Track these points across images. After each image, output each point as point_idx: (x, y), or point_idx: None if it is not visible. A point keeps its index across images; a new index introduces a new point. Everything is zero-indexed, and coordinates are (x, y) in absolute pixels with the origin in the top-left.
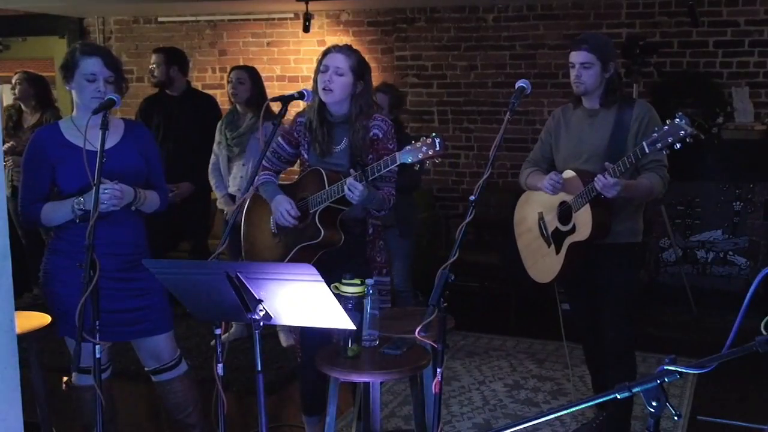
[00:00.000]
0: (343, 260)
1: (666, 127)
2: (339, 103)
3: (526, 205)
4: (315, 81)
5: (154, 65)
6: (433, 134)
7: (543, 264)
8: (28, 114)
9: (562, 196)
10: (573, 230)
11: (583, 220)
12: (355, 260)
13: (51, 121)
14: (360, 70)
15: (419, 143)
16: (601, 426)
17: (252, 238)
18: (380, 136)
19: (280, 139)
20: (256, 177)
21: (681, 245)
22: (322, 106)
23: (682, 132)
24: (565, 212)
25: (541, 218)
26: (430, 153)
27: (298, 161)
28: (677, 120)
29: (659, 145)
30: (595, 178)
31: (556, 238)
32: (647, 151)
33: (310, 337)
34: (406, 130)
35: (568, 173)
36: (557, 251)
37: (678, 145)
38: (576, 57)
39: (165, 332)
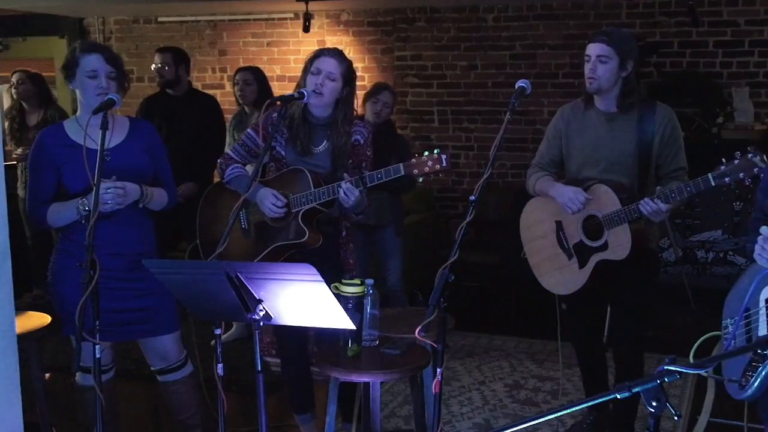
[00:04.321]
0: (316, 261)
1: (737, 161)
2: (324, 107)
3: (539, 209)
4: (303, 80)
5: (162, 65)
6: (437, 150)
7: (561, 275)
8: (31, 113)
9: (589, 209)
10: (604, 247)
11: (621, 240)
12: (327, 260)
13: (55, 117)
14: (349, 76)
15: (424, 158)
16: (592, 426)
17: (213, 233)
18: (361, 142)
19: (251, 131)
20: (226, 170)
21: (681, 245)
22: (306, 105)
23: (756, 169)
24: (593, 227)
25: (560, 228)
26: (436, 168)
27: (269, 155)
28: (750, 155)
29: (728, 179)
30: (642, 202)
31: (579, 252)
32: (713, 184)
33: (288, 337)
34: (397, 130)
35: (601, 187)
36: (581, 265)
37: (748, 181)
38: (592, 49)
39: (171, 332)
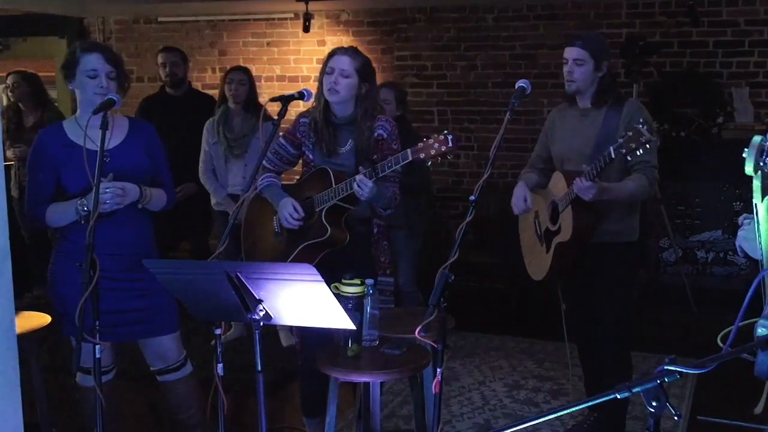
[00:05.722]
0: (348, 260)
1: (630, 132)
2: (344, 105)
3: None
4: (320, 82)
5: (171, 63)
6: (445, 131)
7: (537, 261)
8: (28, 113)
9: (553, 196)
10: (559, 230)
11: (566, 222)
12: (360, 260)
13: (52, 118)
14: (365, 72)
15: (431, 140)
16: (593, 426)
17: (253, 238)
18: (385, 136)
19: (282, 140)
20: (259, 179)
21: (681, 245)
22: (327, 107)
23: (643, 138)
24: (554, 212)
25: (536, 217)
26: (442, 149)
27: (301, 161)
28: (639, 126)
29: (623, 150)
30: (574, 182)
31: (546, 237)
32: (614, 156)
33: (311, 339)
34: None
35: (557, 174)
36: (547, 250)
37: (640, 152)
38: (569, 53)
39: (171, 333)
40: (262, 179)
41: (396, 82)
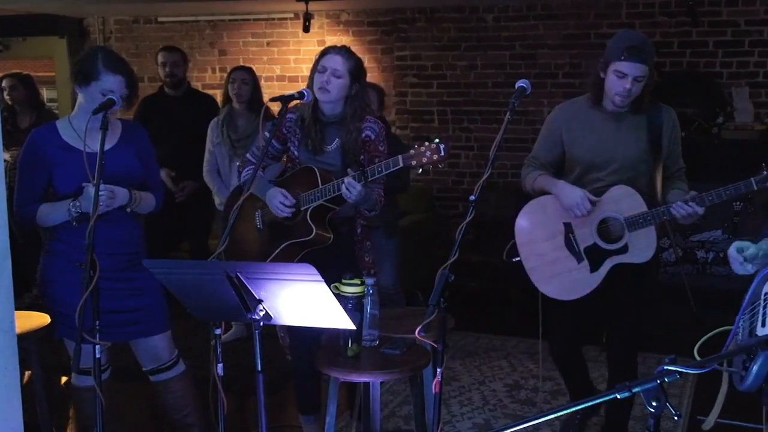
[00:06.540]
0: (331, 259)
1: None
2: (333, 104)
3: (543, 211)
4: (311, 79)
5: (172, 63)
6: (437, 139)
7: (568, 279)
8: (23, 115)
9: (604, 212)
10: (623, 250)
11: (644, 243)
12: (343, 260)
13: (46, 120)
14: (357, 73)
15: (423, 148)
16: (583, 422)
17: (235, 235)
18: (372, 137)
19: (267, 134)
20: (243, 172)
21: (681, 245)
22: (316, 104)
23: None
24: (605, 229)
25: (569, 230)
26: (434, 158)
27: (285, 157)
28: None
29: None
30: (675, 206)
31: (591, 255)
32: (755, 188)
33: (300, 338)
34: (392, 130)
35: (621, 188)
36: (593, 269)
37: None
38: (632, 69)
39: (162, 332)
40: (245, 172)
41: (377, 84)
